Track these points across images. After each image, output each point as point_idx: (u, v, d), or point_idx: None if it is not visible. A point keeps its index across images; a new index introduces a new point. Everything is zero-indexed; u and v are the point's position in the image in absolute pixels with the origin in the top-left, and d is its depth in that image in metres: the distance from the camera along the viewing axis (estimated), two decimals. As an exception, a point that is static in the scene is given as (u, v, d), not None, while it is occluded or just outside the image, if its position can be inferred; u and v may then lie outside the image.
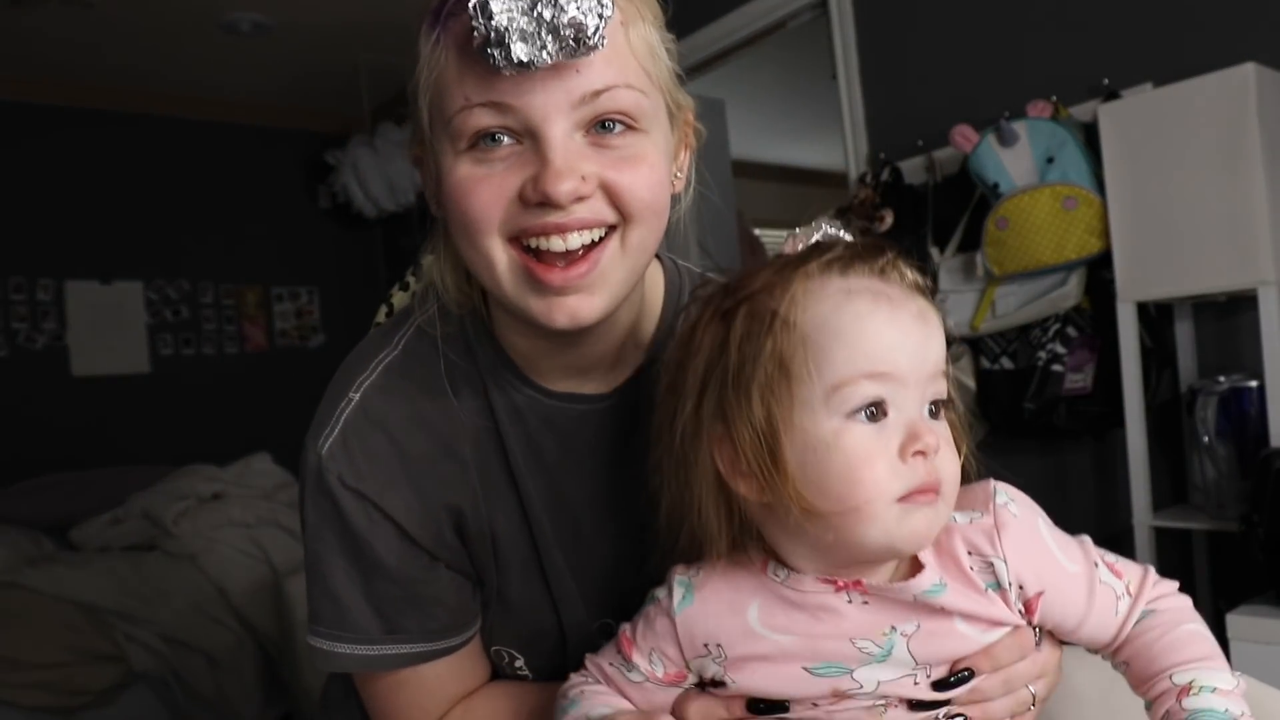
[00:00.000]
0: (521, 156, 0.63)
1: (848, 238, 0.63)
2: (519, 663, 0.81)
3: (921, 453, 0.57)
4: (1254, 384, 1.71)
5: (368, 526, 0.72)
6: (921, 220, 2.27)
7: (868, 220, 2.32)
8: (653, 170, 0.66)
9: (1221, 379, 1.75)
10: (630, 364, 0.78)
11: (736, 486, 0.61)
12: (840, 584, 0.61)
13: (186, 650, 2.53)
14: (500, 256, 0.65)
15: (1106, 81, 1.96)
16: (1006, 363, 2.08)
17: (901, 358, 0.57)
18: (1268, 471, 1.52)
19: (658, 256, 0.82)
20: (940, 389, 0.60)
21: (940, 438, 0.58)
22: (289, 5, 3.33)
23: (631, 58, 0.65)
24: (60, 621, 2.43)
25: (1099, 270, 1.92)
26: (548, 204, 0.62)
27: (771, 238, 5.73)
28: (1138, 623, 0.62)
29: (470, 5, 0.59)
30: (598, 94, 0.63)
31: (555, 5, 0.58)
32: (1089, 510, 2.13)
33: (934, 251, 2.24)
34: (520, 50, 0.58)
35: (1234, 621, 1.48)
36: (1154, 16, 1.95)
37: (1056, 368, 1.98)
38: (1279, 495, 1.49)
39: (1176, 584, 0.64)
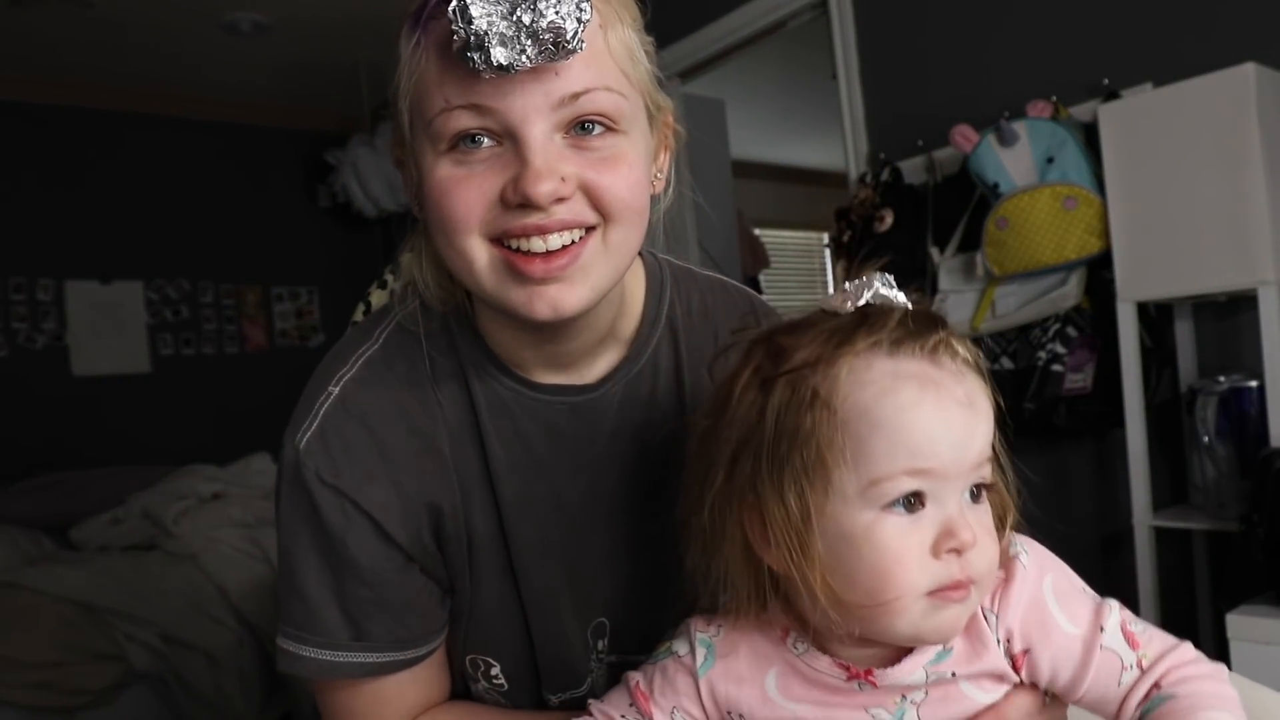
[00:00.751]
0: (501, 158, 0.63)
1: (899, 297, 0.60)
2: (495, 670, 0.80)
3: (956, 550, 0.55)
4: (1254, 384, 1.71)
5: (343, 524, 0.70)
6: (921, 220, 2.27)
7: (868, 220, 2.33)
8: (631, 170, 0.66)
9: (1221, 379, 1.75)
10: (613, 356, 0.78)
11: (765, 557, 0.59)
12: (853, 672, 0.61)
13: (186, 650, 2.53)
14: (480, 255, 0.65)
15: (1106, 81, 1.97)
16: (1006, 363, 2.08)
17: (944, 450, 0.55)
18: (1267, 471, 1.52)
19: (639, 252, 0.82)
20: (984, 474, 0.57)
21: (978, 529, 0.56)
22: (289, 5, 3.33)
23: (610, 60, 0.65)
24: (60, 621, 2.43)
25: (1099, 270, 1.92)
26: (528, 205, 0.62)
27: (771, 237, 5.73)
28: (1158, 705, 0.58)
29: (450, 9, 0.59)
30: (577, 96, 0.63)
31: (534, 10, 0.58)
32: (1089, 510, 2.13)
33: (934, 251, 2.24)
34: (500, 54, 0.59)
35: (1233, 621, 1.48)
36: (1154, 16, 1.95)
37: (1056, 368, 1.98)
38: (1279, 495, 1.49)
39: (1221, 668, 0.61)
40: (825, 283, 6.33)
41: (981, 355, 0.60)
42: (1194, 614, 1.93)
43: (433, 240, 0.71)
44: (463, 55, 0.59)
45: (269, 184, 4.37)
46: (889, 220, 2.28)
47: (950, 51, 2.33)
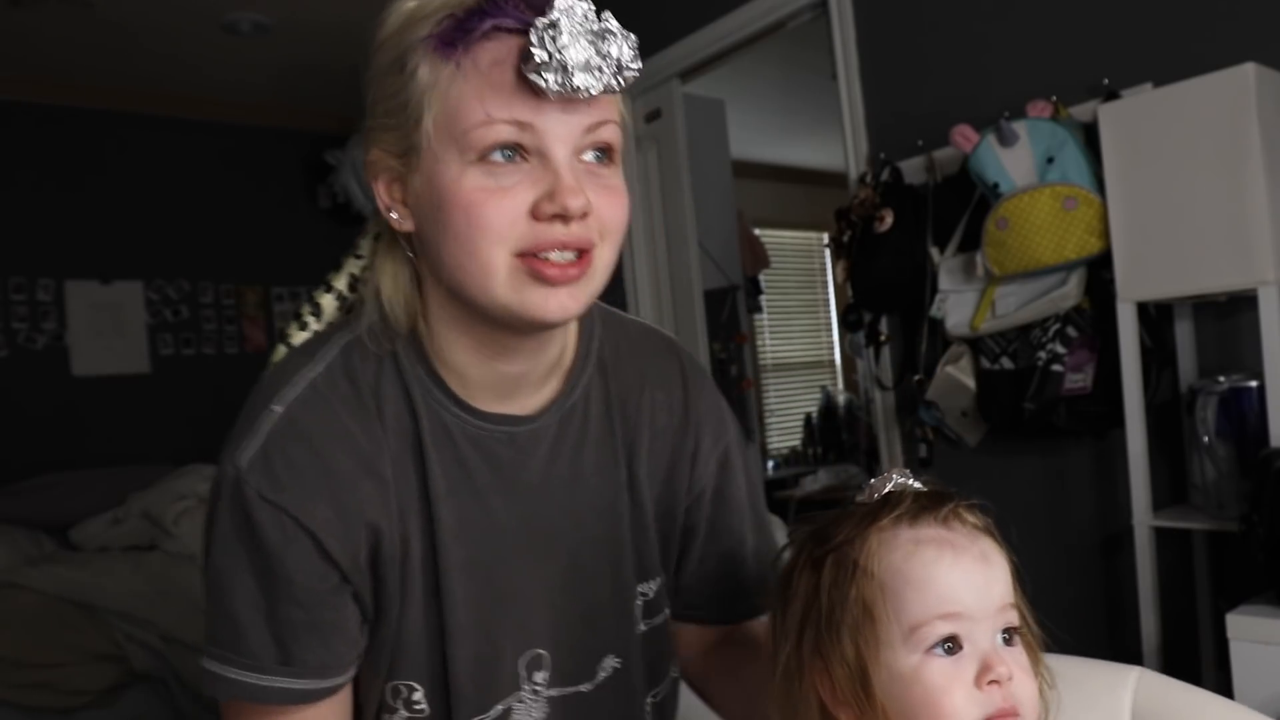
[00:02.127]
0: (530, 174, 0.68)
1: (916, 485, 0.71)
2: (417, 694, 0.80)
3: (996, 681, 0.62)
4: (1254, 384, 1.71)
5: (282, 542, 0.71)
6: (921, 220, 2.27)
7: (868, 220, 2.33)
8: (623, 198, 0.73)
9: (1221, 379, 1.75)
10: (552, 389, 0.82)
11: (838, 714, 0.67)
12: None
13: (186, 650, 2.53)
14: (501, 264, 0.69)
15: (1106, 81, 1.97)
16: (1006, 363, 2.08)
17: (968, 597, 0.64)
18: (1267, 471, 1.51)
19: None
20: (1011, 618, 0.66)
21: (1014, 665, 0.64)
22: (289, 5, 3.33)
23: (617, 97, 0.72)
24: (60, 621, 2.44)
25: (1099, 270, 1.92)
26: (562, 216, 0.67)
27: (771, 237, 5.73)
28: None
29: (535, 33, 0.64)
30: (596, 126, 0.69)
31: (617, 43, 0.66)
32: (1089, 510, 2.13)
33: (934, 251, 2.24)
34: (580, 79, 0.65)
35: (1234, 621, 1.48)
36: (1154, 16, 1.95)
37: (1056, 368, 1.98)
38: (1279, 495, 1.49)
39: None
40: (825, 282, 6.33)
41: (992, 522, 0.69)
42: (1194, 614, 1.93)
43: (400, 253, 0.75)
44: (534, 73, 0.64)
45: (269, 184, 4.37)
46: (889, 220, 2.28)
47: (950, 51, 2.33)
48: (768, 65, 3.88)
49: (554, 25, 0.64)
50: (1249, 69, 1.63)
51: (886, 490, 0.71)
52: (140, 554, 2.79)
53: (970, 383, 2.17)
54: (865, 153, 2.53)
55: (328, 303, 0.87)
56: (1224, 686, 1.62)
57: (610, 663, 0.85)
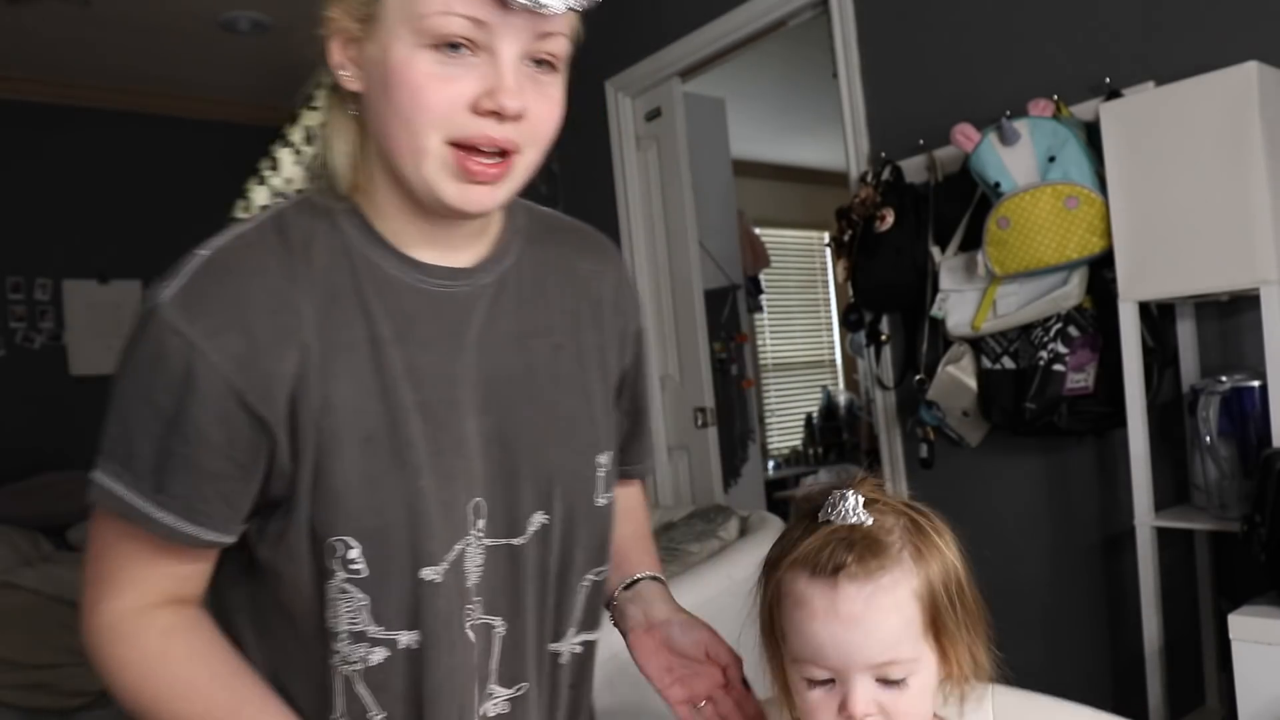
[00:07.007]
0: (477, 69, 0.72)
1: (847, 515, 0.75)
2: (353, 552, 0.77)
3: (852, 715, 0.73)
4: (1256, 384, 1.70)
5: (184, 376, 0.73)
6: (923, 219, 2.26)
7: (868, 219, 2.32)
8: (558, 108, 0.78)
9: (1223, 379, 1.75)
10: (486, 244, 0.87)
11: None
12: None
13: (185, 650, 2.52)
14: (433, 149, 0.73)
15: (1108, 80, 1.96)
16: (1008, 362, 2.08)
17: (834, 656, 0.73)
18: (1269, 471, 1.51)
19: None
20: (888, 672, 0.73)
21: (888, 702, 0.73)
22: (287, 3, 3.32)
23: (572, 12, 0.76)
24: (58, 622, 2.43)
25: (1100, 269, 1.91)
26: (498, 114, 0.72)
27: (772, 237, 5.73)
28: None
29: None
30: (547, 35, 0.73)
31: None
32: (1090, 510, 2.13)
33: (935, 251, 2.23)
34: None
35: (1235, 622, 1.47)
36: (1156, 15, 1.94)
37: (1058, 367, 1.98)
38: (1281, 495, 1.48)
39: None
40: (826, 282, 6.32)
41: (905, 561, 0.74)
42: (1196, 615, 1.92)
43: (347, 120, 0.80)
44: None
45: (268, 183, 4.36)
46: (890, 219, 2.27)
47: (951, 50, 2.32)
48: (768, 64, 3.88)
49: None
50: (1251, 67, 1.62)
51: (821, 515, 0.77)
52: (139, 554, 2.79)
53: (971, 382, 2.17)
54: (866, 152, 2.52)
55: (285, 156, 0.90)
56: (1226, 687, 1.62)
57: (539, 519, 0.86)
